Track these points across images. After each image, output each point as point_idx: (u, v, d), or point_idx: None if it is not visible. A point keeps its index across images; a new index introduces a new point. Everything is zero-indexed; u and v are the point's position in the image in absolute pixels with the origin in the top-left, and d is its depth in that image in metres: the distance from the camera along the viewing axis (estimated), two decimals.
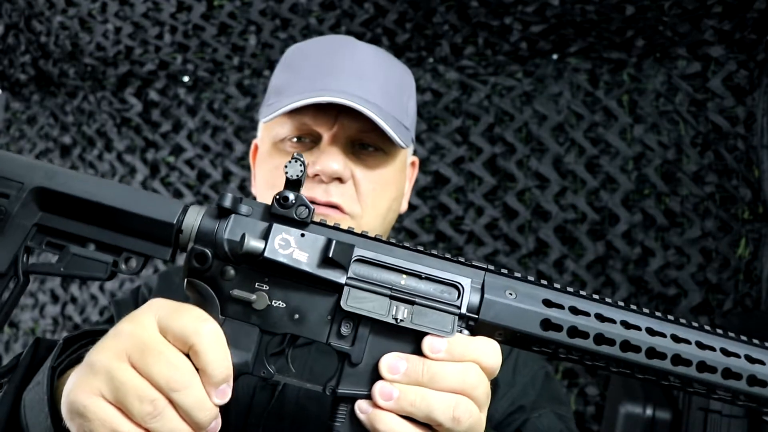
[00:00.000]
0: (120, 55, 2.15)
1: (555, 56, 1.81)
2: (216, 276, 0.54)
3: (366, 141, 0.83)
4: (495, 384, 0.82)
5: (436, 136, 1.89)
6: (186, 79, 2.22)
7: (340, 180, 0.81)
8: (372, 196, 0.83)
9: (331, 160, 0.79)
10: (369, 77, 0.82)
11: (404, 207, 0.96)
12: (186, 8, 1.92)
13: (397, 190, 0.88)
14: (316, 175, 0.79)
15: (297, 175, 0.54)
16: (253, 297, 0.53)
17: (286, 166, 0.54)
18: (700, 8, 1.51)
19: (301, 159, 0.55)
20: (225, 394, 0.50)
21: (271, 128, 0.86)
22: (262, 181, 0.87)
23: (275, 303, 0.54)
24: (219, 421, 0.51)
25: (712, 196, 1.66)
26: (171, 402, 0.47)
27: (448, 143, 1.88)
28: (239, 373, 0.53)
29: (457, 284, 0.54)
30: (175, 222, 0.54)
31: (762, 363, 0.55)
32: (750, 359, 0.55)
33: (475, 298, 0.54)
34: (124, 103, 2.30)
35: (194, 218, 0.54)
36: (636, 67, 1.75)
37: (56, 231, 0.54)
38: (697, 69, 1.68)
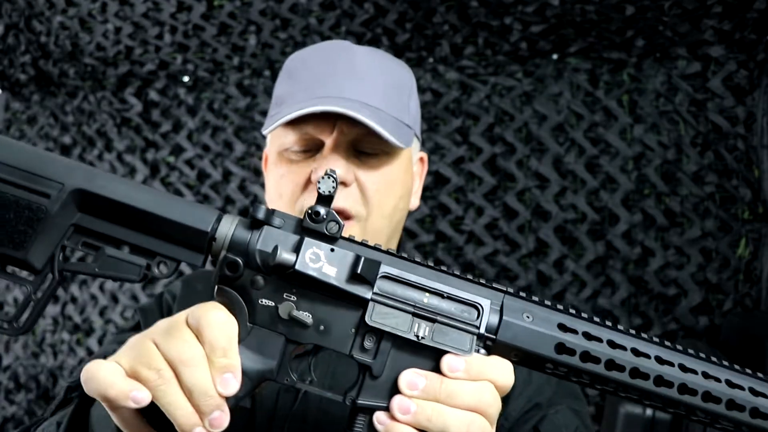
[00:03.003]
0: (120, 55, 2.15)
1: (555, 56, 1.81)
2: (246, 284, 0.55)
3: (366, 146, 0.84)
4: None
5: (436, 136, 1.89)
6: (186, 79, 2.22)
7: (343, 184, 0.82)
8: (377, 196, 0.84)
9: (333, 165, 0.80)
10: (367, 80, 0.84)
11: (415, 204, 0.97)
12: (186, 8, 1.93)
13: (403, 188, 0.89)
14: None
15: (329, 191, 0.56)
16: (282, 306, 0.55)
17: (318, 182, 0.56)
18: (700, 8, 1.51)
19: (334, 175, 0.56)
20: (228, 384, 0.51)
21: (277, 138, 0.88)
22: (271, 190, 0.89)
23: (302, 314, 0.55)
24: (225, 417, 0.51)
25: (712, 196, 1.66)
26: (178, 377, 0.50)
27: (448, 143, 1.88)
28: (263, 378, 0.55)
29: (477, 305, 0.56)
30: (209, 230, 0.55)
31: (765, 396, 0.57)
32: (753, 392, 0.57)
33: (494, 320, 0.56)
34: (124, 103, 2.30)
35: (228, 227, 0.56)
36: (636, 67, 1.75)
37: (93, 232, 0.56)
38: (697, 69, 1.68)
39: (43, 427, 0.72)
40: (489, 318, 0.56)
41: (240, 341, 0.54)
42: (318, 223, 0.56)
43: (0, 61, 2.29)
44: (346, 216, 0.82)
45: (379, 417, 0.53)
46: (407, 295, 0.56)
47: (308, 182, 0.83)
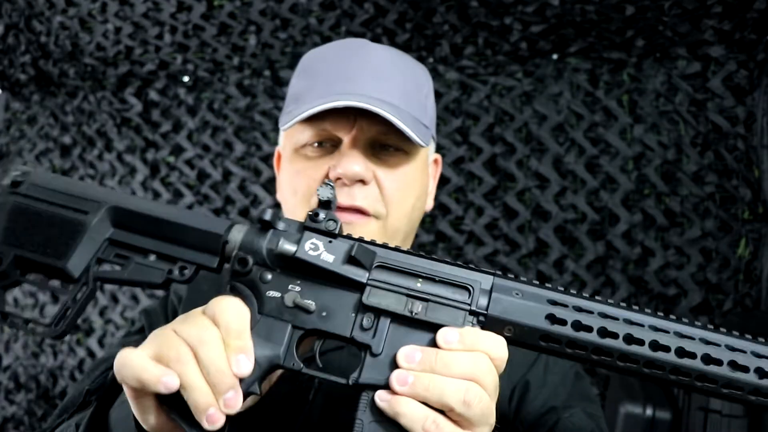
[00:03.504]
0: (120, 55, 2.15)
1: (555, 56, 1.81)
2: (255, 279, 0.61)
3: (386, 142, 0.83)
4: (526, 385, 0.84)
5: (436, 136, 1.89)
6: (186, 79, 2.22)
7: (362, 182, 0.81)
8: (396, 195, 0.84)
9: (352, 162, 0.80)
10: (386, 78, 0.83)
11: (430, 205, 0.97)
12: (186, 8, 1.92)
13: (420, 188, 0.89)
14: (339, 178, 0.80)
15: (327, 197, 0.62)
16: (287, 296, 0.60)
17: (318, 190, 0.62)
18: (700, 8, 1.51)
19: (331, 184, 0.63)
20: (241, 365, 0.54)
21: (292, 135, 0.87)
22: (286, 186, 0.88)
23: (306, 301, 0.60)
24: (238, 398, 0.54)
25: (712, 196, 1.66)
26: (196, 357, 0.53)
27: (448, 143, 1.89)
28: (271, 364, 0.59)
29: (468, 286, 0.60)
30: (223, 233, 0.62)
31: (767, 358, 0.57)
32: (756, 354, 0.57)
33: (485, 298, 0.60)
34: (124, 103, 2.30)
35: (239, 231, 0.63)
36: (636, 67, 1.75)
37: (124, 244, 0.63)
38: (697, 69, 1.68)
39: (61, 429, 0.74)
40: (480, 297, 0.59)
41: (251, 330, 0.58)
42: (318, 223, 0.62)
43: (0, 61, 2.29)
44: (365, 215, 0.82)
45: (380, 394, 0.55)
46: (401, 281, 0.60)
47: (326, 179, 0.82)
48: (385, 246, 0.63)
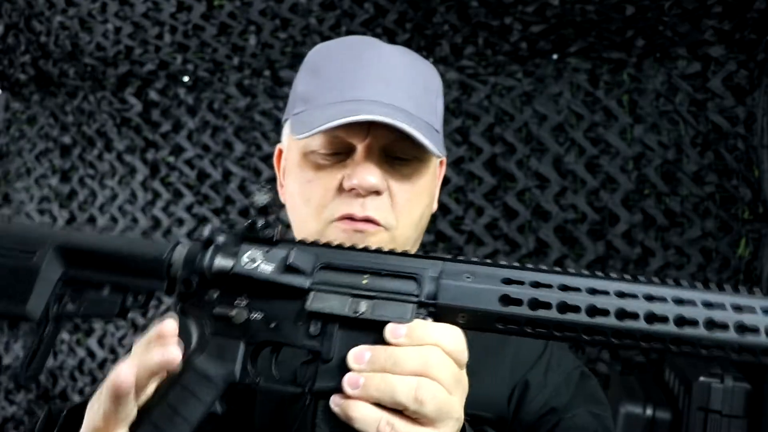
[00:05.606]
0: (120, 55, 2.15)
1: (555, 56, 1.81)
2: (202, 299, 0.61)
3: (399, 151, 0.80)
4: (526, 385, 0.82)
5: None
6: (186, 79, 2.22)
7: (377, 193, 0.79)
8: (407, 207, 0.82)
9: (368, 173, 0.78)
10: (397, 82, 0.81)
11: (434, 207, 0.96)
12: (186, 8, 1.92)
13: (429, 196, 0.87)
14: (353, 188, 0.78)
15: (263, 203, 0.61)
16: (233, 313, 0.60)
17: (254, 196, 0.61)
18: (700, 8, 1.51)
19: (267, 187, 0.62)
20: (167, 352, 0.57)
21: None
22: (297, 195, 0.85)
23: (253, 315, 0.59)
24: (175, 353, 0.56)
25: (712, 196, 1.66)
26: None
27: (448, 143, 1.88)
28: (227, 383, 0.58)
29: (415, 275, 0.57)
30: (164, 257, 0.63)
31: (752, 310, 0.51)
32: (737, 308, 0.52)
33: (433, 286, 0.57)
34: (124, 103, 2.30)
35: (181, 252, 0.63)
36: (636, 67, 1.75)
37: (77, 281, 0.64)
38: (697, 69, 1.68)
39: None
40: (428, 286, 0.57)
41: (203, 351, 0.59)
42: (255, 232, 0.61)
43: (0, 61, 2.29)
44: (375, 224, 0.79)
45: (334, 399, 0.54)
46: (346, 280, 0.58)
47: (340, 189, 0.80)
48: (327, 245, 0.62)
